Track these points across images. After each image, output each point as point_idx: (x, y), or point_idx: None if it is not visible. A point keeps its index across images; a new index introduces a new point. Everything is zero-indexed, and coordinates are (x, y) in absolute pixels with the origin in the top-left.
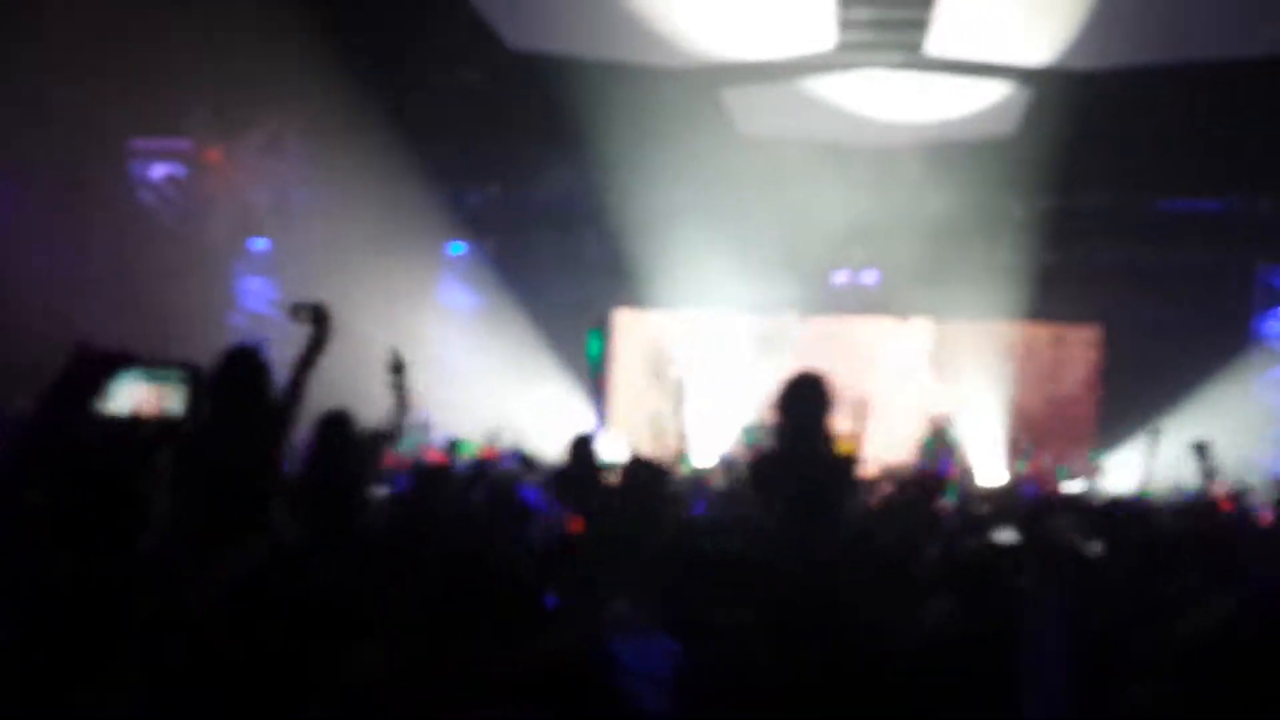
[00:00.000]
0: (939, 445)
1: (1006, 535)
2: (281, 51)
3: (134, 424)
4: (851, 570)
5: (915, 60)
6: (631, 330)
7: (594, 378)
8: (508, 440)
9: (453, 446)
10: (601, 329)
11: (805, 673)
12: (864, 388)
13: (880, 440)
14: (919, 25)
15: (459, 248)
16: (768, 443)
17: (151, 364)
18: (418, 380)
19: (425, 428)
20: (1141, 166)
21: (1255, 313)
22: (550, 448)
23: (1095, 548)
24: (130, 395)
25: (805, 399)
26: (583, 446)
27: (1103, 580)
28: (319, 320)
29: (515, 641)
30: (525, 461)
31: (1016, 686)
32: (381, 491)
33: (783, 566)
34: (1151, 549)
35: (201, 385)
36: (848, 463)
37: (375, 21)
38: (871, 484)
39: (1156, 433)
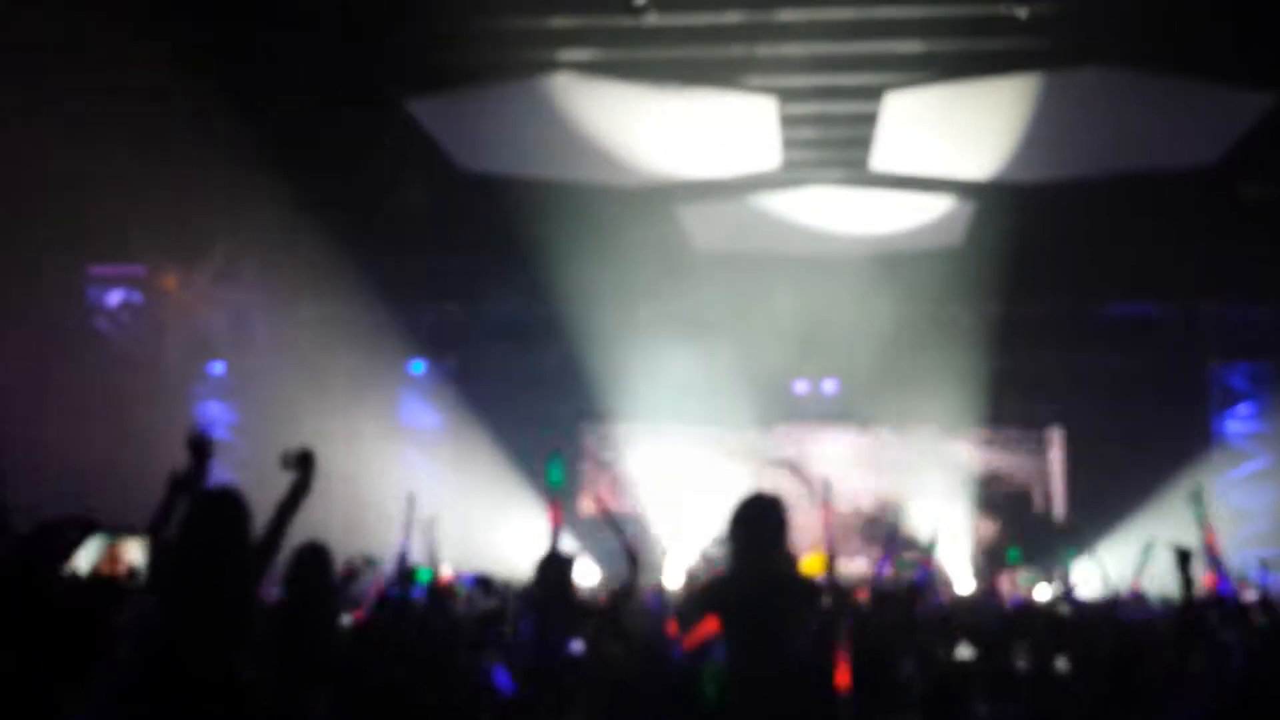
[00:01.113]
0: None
1: (965, 652)
2: (236, 177)
3: (97, 582)
4: (813, 690)
5: (860, 177)
6: (596, 445)
7: (553, 501)
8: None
9: (406, 575)
10: (561, 454)
11: None
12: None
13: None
14: (862, 143)
15: (419, 366)
16: (722, 566)
17: (114, 528)
18: (384, 504)
19: (403, 556)
20: (1087, 273)
21: (1213, 412)
22: (519, 567)
23: (1061, 665)
24: (92, 554)
25: (758, 520)
26: (553, 567)
27: (1067, 695)
28: (304, 465)
29: None
30: (484, 585)
31: None
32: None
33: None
34: (1121, 659)
35: (161, 547)
36: (806, 584)
37: (328, 146)
38: (846, 594)
39: (1149, 545)
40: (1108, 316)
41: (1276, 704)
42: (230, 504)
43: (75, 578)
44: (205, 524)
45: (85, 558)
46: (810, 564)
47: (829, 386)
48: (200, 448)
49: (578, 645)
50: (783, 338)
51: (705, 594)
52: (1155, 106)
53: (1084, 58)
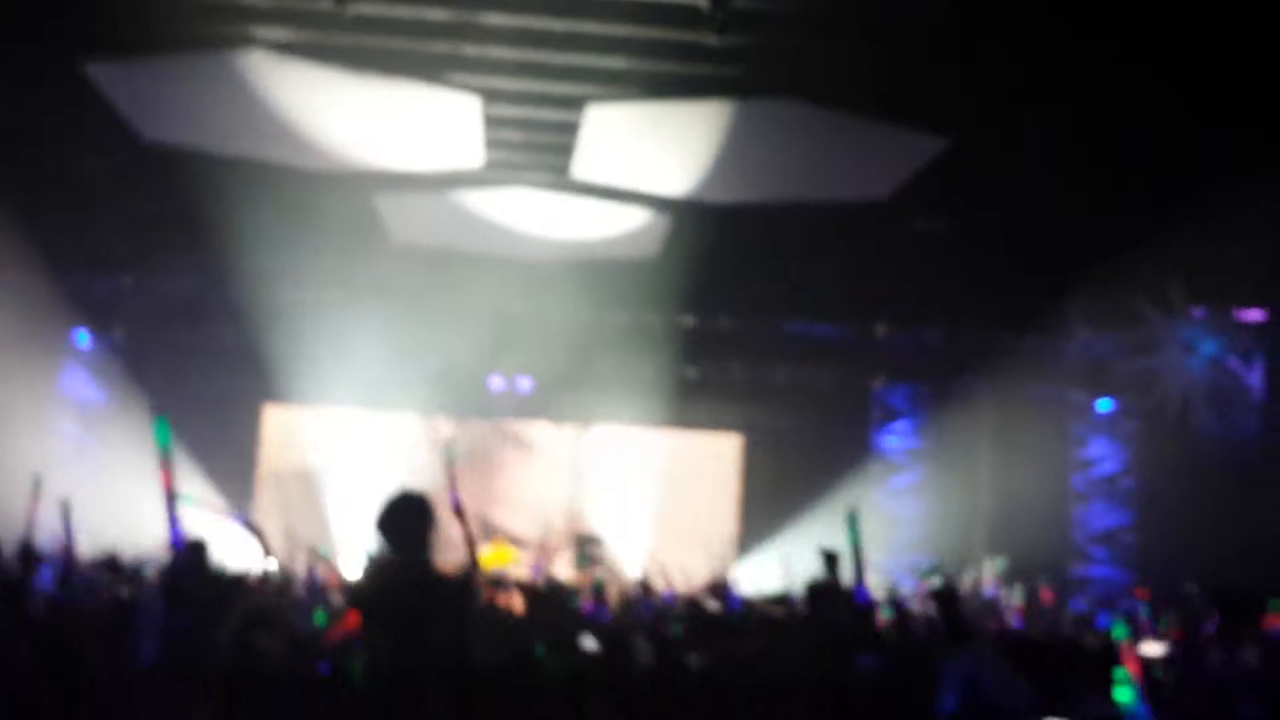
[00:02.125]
0: (587, 559)
1: (589, 643)
2: None
3: None
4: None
5: (561, 182)
6: (279, 427)
7: (164, 466)
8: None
9: (28, 558)
10: (167, 416)
11: None
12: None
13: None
14: (565, 150)
15: (84, 338)
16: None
17: None
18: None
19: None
20: (770, 292)
21: (873, 428)
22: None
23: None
24: None
25: (405, 520)
26: (189, 551)
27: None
28: None
29: None
30: (112, 565)
31: None
32: None
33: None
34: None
35: None
36: (455, 581)
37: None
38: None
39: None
40: (788, 333)
41: None
42: None
43: None
44: None
45: None
46: (497, 556)
47: (524, 384)
48: None
49: (223, 634)
50: (480, 333)
51: (355, 592)
52: (835, 141)
53: (770, 89)
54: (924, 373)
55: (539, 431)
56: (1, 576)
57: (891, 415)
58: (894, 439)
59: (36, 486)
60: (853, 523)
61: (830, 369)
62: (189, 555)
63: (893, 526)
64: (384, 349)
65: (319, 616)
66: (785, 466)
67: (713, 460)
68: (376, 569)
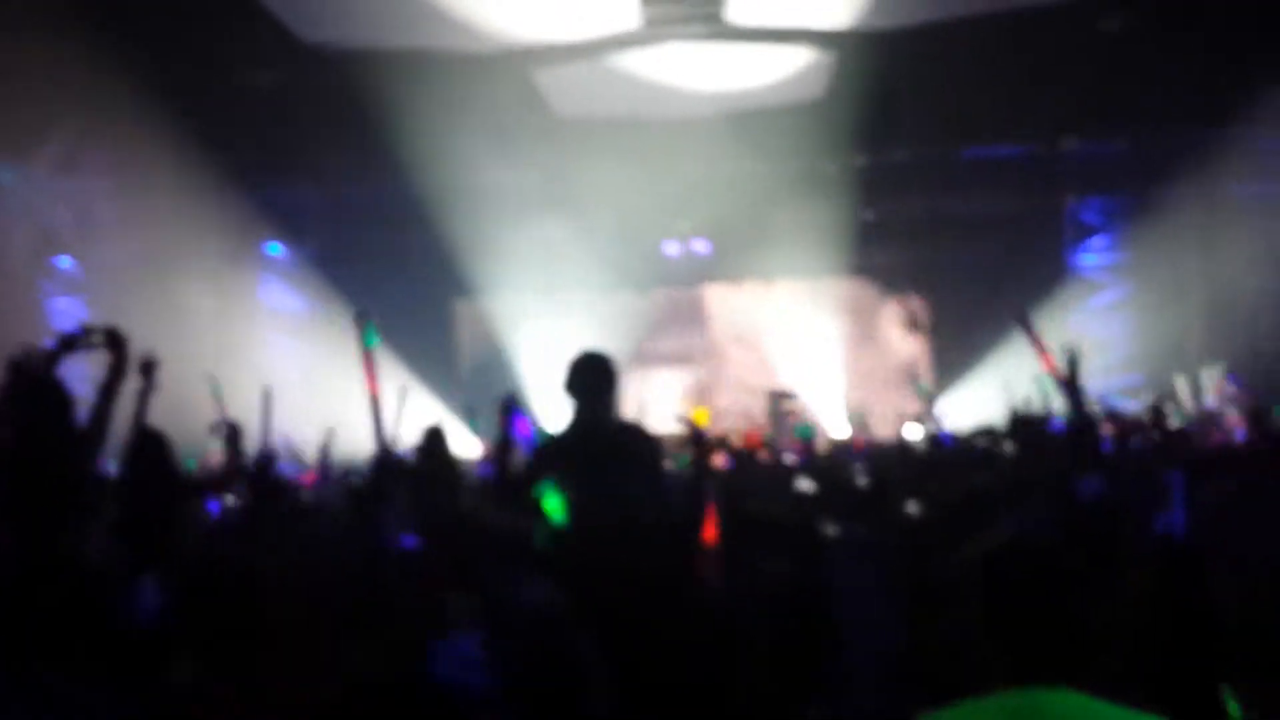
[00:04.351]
0: (782, 413)
1: (806, 484)
2: (70, 64)
3: None
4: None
5: (718, 30)
6: (471, 320)
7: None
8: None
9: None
10: (371, 317)
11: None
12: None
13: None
14: None
15: (276, 249)
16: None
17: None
18: (244, 387)
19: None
20: (945, 119)
21: (1068, 247)
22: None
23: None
24: None
25: (590, 376)
26: (435, 439)
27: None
28: (115, 345)
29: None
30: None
31: (841, 630)
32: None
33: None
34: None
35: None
36: (643, 433)
37: (165, 25)
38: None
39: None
40: (965, 160)
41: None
42: (51, 391)
43: None
44: (26, 412)
45: None
46: (697, 416)
47: (700, 246)
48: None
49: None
50: (650, 199)
51: (541, 452)
52: None
53: None
54: (1119, 183)
55: (719, 292)
56: (272, 478)
57: (1087, 232)
58: (1092, 256)
59: (267, 397)
60: (1073, 364)
61: (1016, 191)
62: (429, 440)
63: (1098, 348)
64: (557, 230)
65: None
66: (975, 299)
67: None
68: (565, 426)
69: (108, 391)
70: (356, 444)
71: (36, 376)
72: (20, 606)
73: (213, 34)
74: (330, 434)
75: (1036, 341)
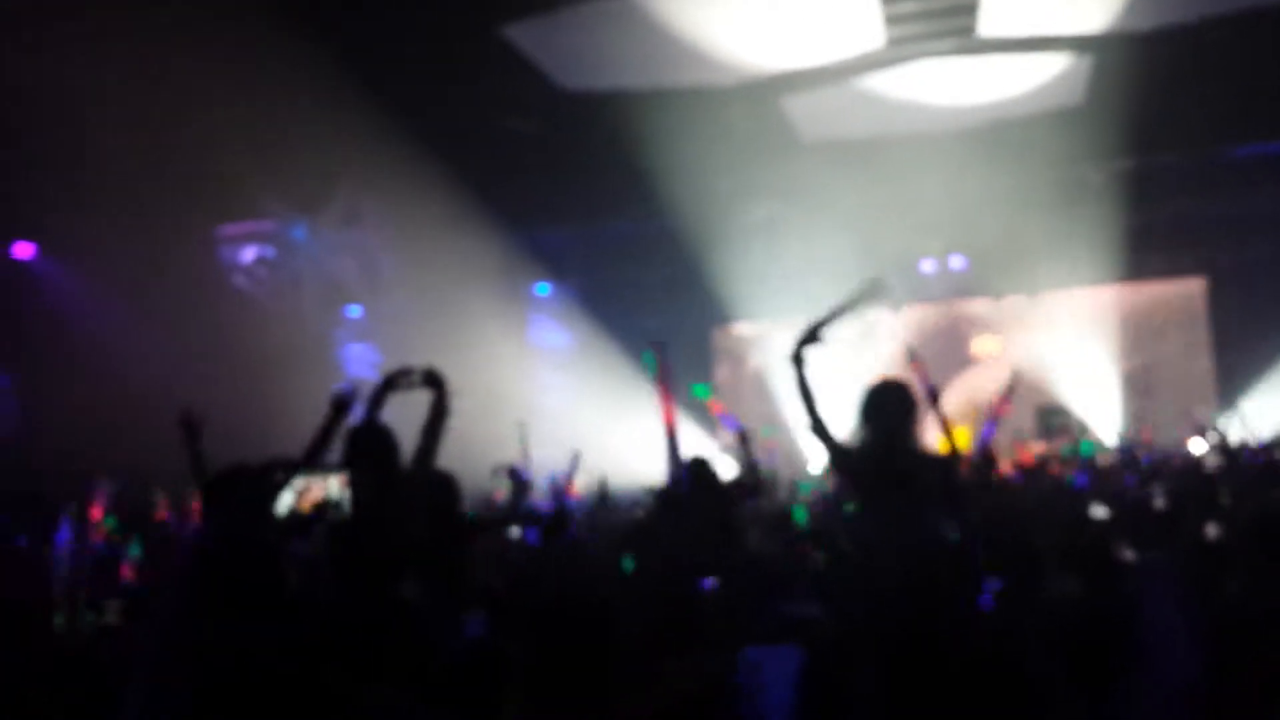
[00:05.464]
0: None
1: (1100, 510)
2: (348, 123)
3: (296, 518)
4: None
5: (968, 44)
6: (729, 347)
7: (664, 393)
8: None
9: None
10: (653, 349)
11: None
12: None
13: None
14: (968, 10)
15: (545, 289)
16: (857, 450)
17: (308, 466)
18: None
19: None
20: (1212, 117)
21: None
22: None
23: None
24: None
25: (888, 405)
26: (701, 468)
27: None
28: (434, 384)
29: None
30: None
31: (1139, 658)
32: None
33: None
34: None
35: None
36: (941, 459)
37: (433, 81)
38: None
39: None
40: (1235, 158)
41: None
42: (381, 436)
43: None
44: (361, 457)
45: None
46: (958, 435)
47: (956, 263)
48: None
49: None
50: (904, 218)
51: (839, 451)
52: None
53: None
54: None
55: (980, 307)
56: (546, 512)
57: None
58: None
59: (523, 430)
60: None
61: None
62: (694, 470)
63: None
64: (813, 255)
65: (798, 513)
66: (1260, 301)
67: (1174, 309)
68: (859, 448)
69: (431, 432)
70: (622, 471)
71: (371, 423)
72: (368, 653)
73: (478, 86)
74: (577, 459)
75: None
